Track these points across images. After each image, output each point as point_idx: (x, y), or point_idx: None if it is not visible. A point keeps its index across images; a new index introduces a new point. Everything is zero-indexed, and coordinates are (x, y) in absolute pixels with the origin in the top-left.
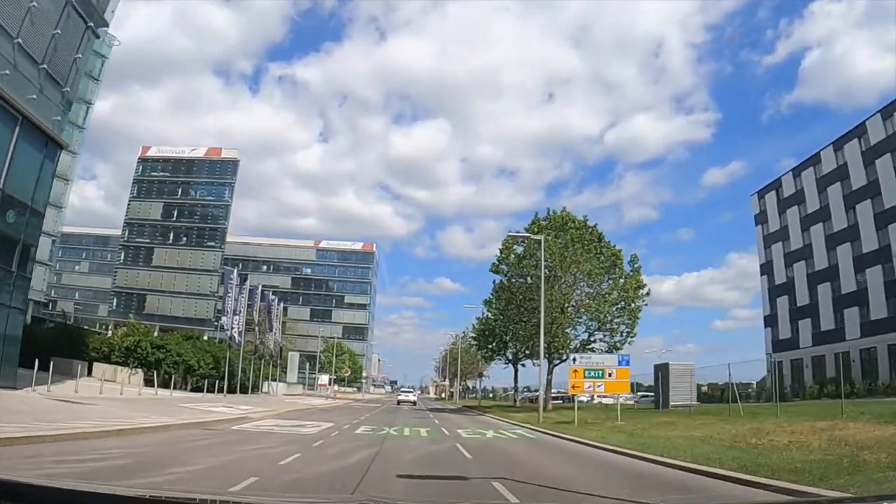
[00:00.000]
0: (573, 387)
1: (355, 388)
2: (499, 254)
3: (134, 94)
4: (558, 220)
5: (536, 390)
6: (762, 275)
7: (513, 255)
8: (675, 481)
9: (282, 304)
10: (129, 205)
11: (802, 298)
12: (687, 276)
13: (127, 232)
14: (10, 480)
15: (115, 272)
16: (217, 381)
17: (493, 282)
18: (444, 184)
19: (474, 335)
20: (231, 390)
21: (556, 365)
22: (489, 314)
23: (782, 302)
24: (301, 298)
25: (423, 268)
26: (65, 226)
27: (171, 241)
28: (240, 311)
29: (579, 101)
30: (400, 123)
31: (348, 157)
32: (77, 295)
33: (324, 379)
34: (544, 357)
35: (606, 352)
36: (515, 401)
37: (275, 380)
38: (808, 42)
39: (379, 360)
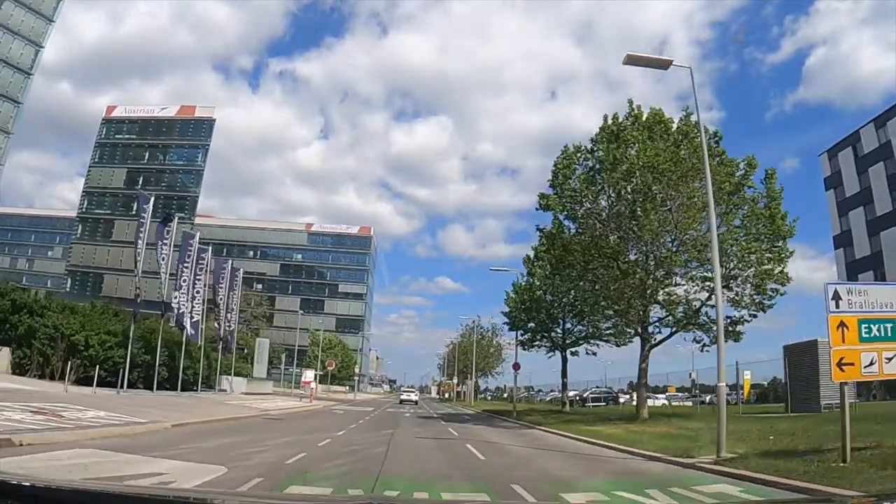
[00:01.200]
0: (841, 364)
1: (348, 387)
2: (552, 176)
3: (133, 89)
4: (649, 119)
5: (570, 391)
6: (837, 248)
7: (576, 175)
8: None
9: (260, 287)
10: (88, 172)
11: (893, 271)
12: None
13: (85, 202)
14: (11, 480)
15: (71, 248)
16: (143, 372)
17: (538, 232)
18: (446, 182)
19: (507, 310)
20: (184, 386)
21: (654, 346)
22: (530, 279)
23: (866, 277)
24: (290, 287)
25: (424, 267)
26: (36, 209)
27: (133, 212)
28: (198, 289)
29: (582, 98)
30: (401, 120)
31: (349, 155)
32: (49, 282)
33: (308, 375)
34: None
35: (731, 327)
36: (564, 403)
37: (244, 375)
38: (814, 39)
39: (378, 358)
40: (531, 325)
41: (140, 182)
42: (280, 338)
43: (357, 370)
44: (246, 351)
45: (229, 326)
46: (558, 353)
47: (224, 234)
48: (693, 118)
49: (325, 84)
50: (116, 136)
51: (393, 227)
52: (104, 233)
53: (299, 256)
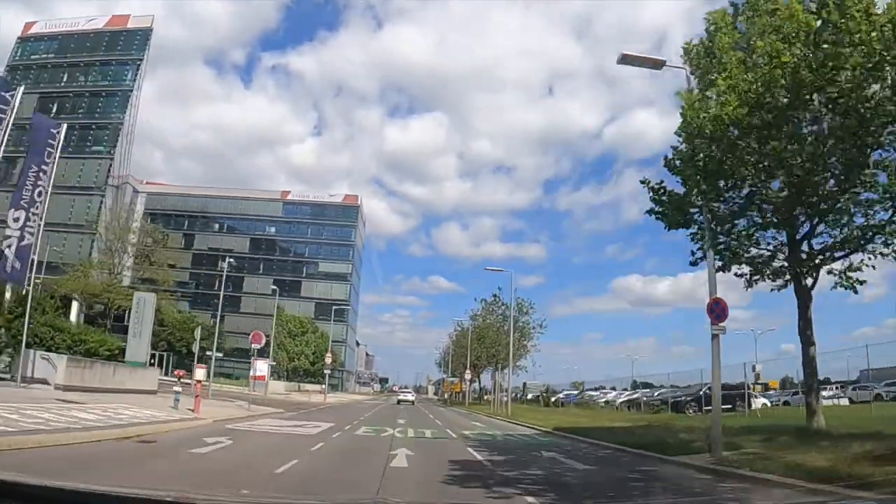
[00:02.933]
0: None
1: (328, 386)
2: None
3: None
4: None
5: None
6: None
7: None
8: None
9: (225, 266)
10: None
11: None
12: (683, 276)
13: None
14: (11, 480)
15: None
16: None
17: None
18: (441, 180)
19: (656, 186)
20: None
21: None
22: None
23: None
24: (262, 266)
25: (418, 266)
26: None
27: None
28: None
29: (579, 95)
30: (395, 116)
31: (343, 151)
32: None
33: (261, 368)
34: None
35: None
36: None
37: (107, 353)
38: None
39: (367, 354)
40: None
41: (54, 109)
42: (249, 325)
43: (329, 359)
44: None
45: (22, 235)
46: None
47: (182, 205)
48: None
49: (319, 79)
50: (32, 56)
51: (388, 225)
52: (4, 175)
53: (272, 230)
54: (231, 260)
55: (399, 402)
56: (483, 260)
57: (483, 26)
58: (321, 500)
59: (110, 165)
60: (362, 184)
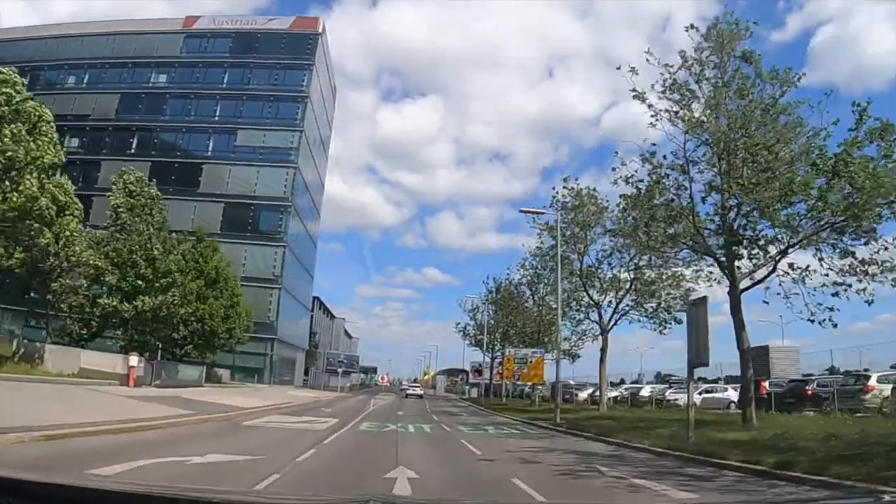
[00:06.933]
0: None
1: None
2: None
3: None
4: None
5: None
6: None
7: None
8: None
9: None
10: None
11: None
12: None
13: None
14: (11, 477)
15: None
16: None
17: None
18: (435, 167)
19: None
20: None
21: None
22: None
23: None
24: (136, 141)
25: (411, 258)
26: None
27: None
28: None
29: (579, 79)
30: (389, 100)
31: (334, 138)
32: None
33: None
34: None
35: None
36: None
37: None
38: (821, 17)
39: (350, 337)
40: None
41: None
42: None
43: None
44: None
45: None
46: None
47: (34, 51)
48: None
49: None
50: None
51: (380, 216)
52: None
53: (163, 78)
54: None
55: (407, 396)
56: (478, 251)
57: (481, 4)
58: (321, 499)
59: None
60: (354, 171)
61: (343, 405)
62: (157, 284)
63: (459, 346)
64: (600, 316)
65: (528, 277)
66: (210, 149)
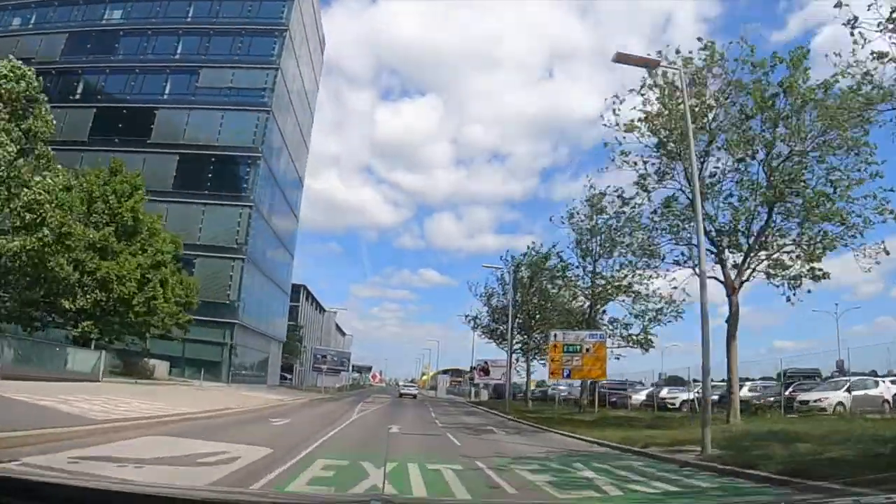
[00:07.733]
0: None
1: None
2: None
3: None
4: None
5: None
6: None
7: None
8: None
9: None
10: None
11: None
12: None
13: None
14: (11, 476)
15: None
16: None
17: None
18: (433, 167)
19: None
20: None
21: None
22: None
23: None
24: (82, 87)
25: (408, 258)
26: None
27: None
28: None
29: (580, 78)
30: (388, 99)
31: (331, 136)
32: None
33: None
34: None
35: None
36: None
37: None
38: (822, 16)
39: (341, 331)
40: None
41: None
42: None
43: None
44: None
45: None
46: None
47: None
48: None
49: None
50: None
51: (378, 216)
52: None
53: (117, 14)
54: None
55: (401, 395)
56: (476, 251)
57: (481, 2)
58: (321, 499)
59: None
60: (352, 171)
61: (309, 414)
62: (17, 222)
63: (459, 348)
64: (723, 265)
65: (580, 235)
66: (166, 91)
